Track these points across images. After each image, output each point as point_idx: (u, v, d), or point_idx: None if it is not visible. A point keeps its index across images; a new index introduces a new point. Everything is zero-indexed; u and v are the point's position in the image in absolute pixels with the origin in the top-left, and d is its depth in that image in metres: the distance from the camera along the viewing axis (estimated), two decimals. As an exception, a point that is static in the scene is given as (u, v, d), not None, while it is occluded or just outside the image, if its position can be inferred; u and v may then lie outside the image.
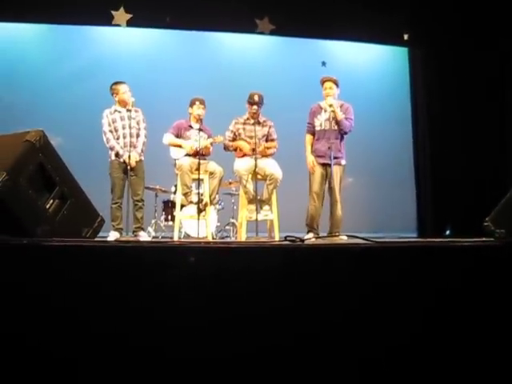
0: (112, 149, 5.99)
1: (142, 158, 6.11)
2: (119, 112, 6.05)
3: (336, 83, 6.03)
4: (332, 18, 8.63)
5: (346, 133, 6.01)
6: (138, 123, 6.11)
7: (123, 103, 6.05)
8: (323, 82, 6.06)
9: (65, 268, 1.93)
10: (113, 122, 6.04)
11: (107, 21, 8.39)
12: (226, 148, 6.28)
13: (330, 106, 5.86)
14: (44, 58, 8.85)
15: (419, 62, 9.60)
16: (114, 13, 8.32)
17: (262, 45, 9.54)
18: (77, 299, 1.89)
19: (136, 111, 6.13)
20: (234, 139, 6.21)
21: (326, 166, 5.89)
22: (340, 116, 5.89)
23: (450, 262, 2.11)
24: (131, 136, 5.97)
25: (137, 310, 1.90)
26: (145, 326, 1.89)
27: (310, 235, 5.64)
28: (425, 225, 9.28)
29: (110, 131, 6.02)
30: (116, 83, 6.16)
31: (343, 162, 5.98)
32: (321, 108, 6.06)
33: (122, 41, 9.19)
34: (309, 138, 6.10)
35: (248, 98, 6.17)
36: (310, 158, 5.97)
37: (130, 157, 5.84)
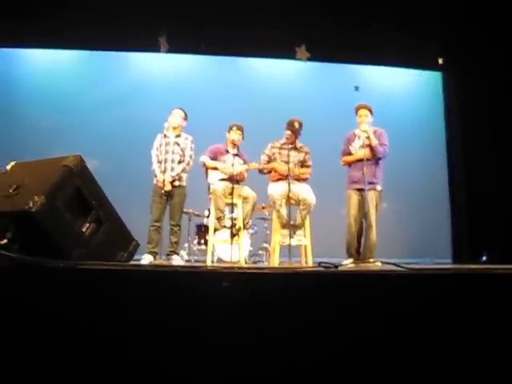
0: (153, 172, 6.07)
1: (183, 184, 6.17)
2: (168, 137, 6.15)
3: (370, 110, 6.05)
4: (366, 42, 8.66)
5: (380, 158, 6.00)
6: (182, 150, 6.17)
7: (172, 127, 6.16)
8: (358, 109, 6.08)
9: (100, 291, 1.95)
10: (160, 146, 6.14)
11: (151, 47, 8.56)
12: (260, 171, 6.29)
13: (364, 131, 5.86)
14: (83, 83, 9.09)
15: (453, 86, 9.56)
16: (161, 39, 8.50)
17: (297, 70, 9.63)
18: (112, 323, 1.90)
19: (186, 138, 6.22)
20: (268, 163, 6.22)
21: (361, 191, 5.88)
22: (374, 142, 5.87)
23: (486, 290, 2.07)
24: (172, 161, 6.06)
25: (170, 335, 1.91)
26: (178, 352, 1.89)
27: (349, 261, 5.61)
28: (460, 251, 9.14)
29: (156, 155, 6.12)
30: (174, 108, 6.33)
31: (379, 187, 5.95)
32: (355, 135, 6.08)
33: (156, 67, 9.37)
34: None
35: (288, 123, 6.19)
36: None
37: (164, 180, 5.92)
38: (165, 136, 6.17)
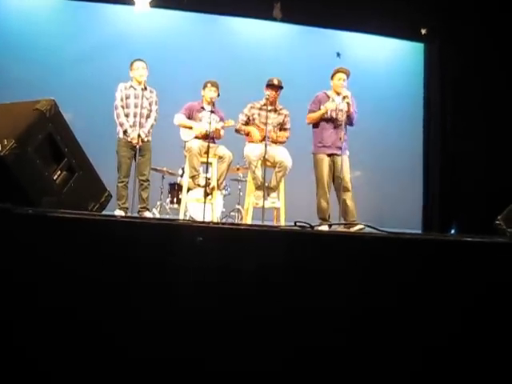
0: (121, 125, 5.95)
1: (150, 139, 6.08)
2: (134, 89, 6.02)
3: (348, 75, 5.96)
4: (349, 8, 8.55)
5: (352, 125, 5.96)
6: (150, 104, 6.08)
7: (137, 80, 5.99)
8: (336, 72, 5.98)
9: (68, 240, 1.89)
10: (126, 98, 6.01)
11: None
12: (237, 131, 6.21)
13: (345, 97, 5.80)
14: (58, 34, 8.83)
15: (435, 58, 9.52)
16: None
17: (278, 33, 9.49)
18: (80, 274, 1.85)
19: (151, 92, 6.11)
20: (246, 123, 6.14)
21: (332, 156, 5.84)
22: (352, 109, 5.83)
23: (462, 258, 2.06)
24: (141, 116, 5.96)
25: (142, 289, 1.86)
26: (149, 303, 1.85)
27: (324, 225, 5.60)
28: (430, 223, 9.23)
29: (122, 106, 5.99)
30: (134, 60, 6.12)
31: (347, 152, 5.92)
32: (328, 97, 5.99)
33: (136, 21, 9.13)
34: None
35: (267, 81, 6.10)
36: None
37: (138, 136, 5.81)
38: (131, 87, 6.03)
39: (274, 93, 6.05)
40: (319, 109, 5.96)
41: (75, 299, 1.83)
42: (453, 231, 8.58)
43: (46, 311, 1.80)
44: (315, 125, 6.02)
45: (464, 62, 8.57)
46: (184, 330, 1.86)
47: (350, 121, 5.90)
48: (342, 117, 5.83)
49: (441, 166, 9.15)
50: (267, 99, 5.99)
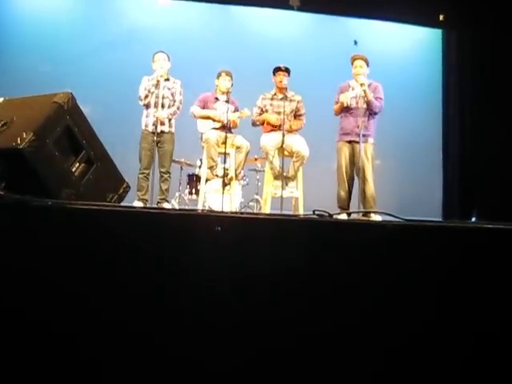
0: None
1: (173, 131, 6.11)
2: (156, 80, 6.01)
3: (367, 62, 5.92)
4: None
5: (376, 113, 5.91)
6: (172, 94, 6.10)
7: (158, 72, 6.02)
8: (354, 59, 5.95)
9: (89, 232, 1.90)
10: (148, 90, 6.02)
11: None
12: (253, 124, 6.21)
13: (362, 84, 5.75)
14: (75, 27, 8.87)
15: (453, 44, 9.41)
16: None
17: (294, 21, 9.44)
18: (100, 264, 1.86)
19: (174, 82, 6.13)
20: (260, 115, 6.14)
21: (352, 143, 5.81)
22: (370, 96, 5.77)
23: (481, 245, 2.04)
24: (163, 106, 5.98)
25: (161, 279, 1.87)
26: (168, 291, 1.86)
27: (343, 215, 5.58)
28: (451, 210, 9.15)
29: (146, 96, 6.00)
30: (156, 52, 6.16)
31: (371, 140, 5.87)
32: (349, 86, 5.97)
33: (154, 12, 9.17)
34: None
35: (273, 69, 6.12)
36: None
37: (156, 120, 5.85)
38: (153, 79, 6.04)
39: (280, 77, 6.03)
40: (338, 98, 5.96)
41: (96, 291, 1.84)
42: (474, 219, 8.51)
43: (66, 304, 1.82)
44: (340, 114, 6.02)
45: (483, 47, 8.46)
46: (202, 322, 1.86)
47: (370, 108, 5.85)
48: (363, 104, 5.81)
49: (460, 153, 9.06)
50: (277, 87, 5.99)
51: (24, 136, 2.45)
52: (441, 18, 9.03)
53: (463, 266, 2.00)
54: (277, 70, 6.07)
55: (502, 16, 7.99)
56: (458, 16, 8.87)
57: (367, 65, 5.93)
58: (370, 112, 5.87)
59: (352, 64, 5.97)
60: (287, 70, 6.07)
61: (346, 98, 5.82)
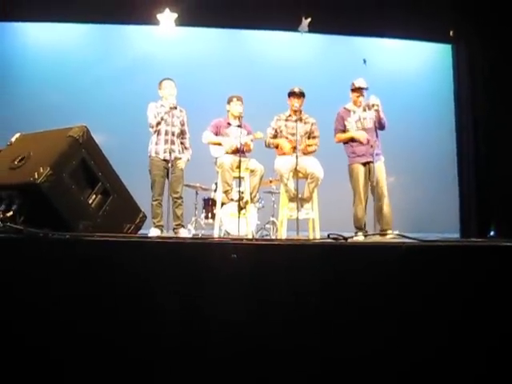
0: (152, 144, 6.05)
1: (183, 157, 6.15)
2: (164, 107, 6.06)
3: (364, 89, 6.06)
4: (373, 15, 8.52)
5: (383, 129, 5.97)
6: (181, 123, 6.15)
7: (166, 99, 6.07)
8: (353, 90, 6.06)
9: (107, 263, 1.93)
10: (158, 114, 6.04)
11: (152, 20, 8.51)
12: (267, 145, 6.23)
13: (373, 105, 5.80)
14: (87, 57, 9.04)
15: (464, 59, 9.41)
16: (160, 16, 8.43)
17: (303, 43, 9.48)
18: (119, 295, 1.89)
19: (181, 111, 6.18)
20: (275, 136, 6.16)
21: (367, 164, 5.84)
22: (382, 114, 5.84)
23: (496, 263, 2.04)
24: (172, 134, 6.02)
25: (179, 307, 1.89)
26: (185, 322, 1.88)
27: (360, 234, 5.60)
28: (468, 226, 9.09)
29: (158, 123, 6.02)
30: (163, 79, 6.20)
31: (382, 158, 5.95)
32: (348, 111, 6.04)
33: (161, 40, 9.29)
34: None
35: (289, 91, 6.14)
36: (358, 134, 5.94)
37: (171, 157, 5.91)
38: (161, 106, 6.07)
39: (296, 100, 6.07)
40: (344, 126, 6.05)
41: (115, 320, 1.87)
42: (492, 233, 8.43)
43: (85, 334, 1.84)
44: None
45: (494, 61, 8.45)
46: (221, 346, 1.87)
47: (380, 126, 5.91)
48: (370, 124, 5.86)
49: (476, 168, 9.01)
50: (292, 109, 6.04)
51: (41, 171, 2.49)
52: (451, 33, 9.07)
53: (478, 286, 1.99)
54: (292, 93, 6.11)
55: (510, 28, 8.01)
56: (467, 31, 8.91)
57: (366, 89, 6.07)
58: (380, 129, 5.94)
59: (353, 91, 6.08)
60: (302, 94, 6.11)
61: (360, 136, 5.89)
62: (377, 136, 5.94)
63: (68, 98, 8.55)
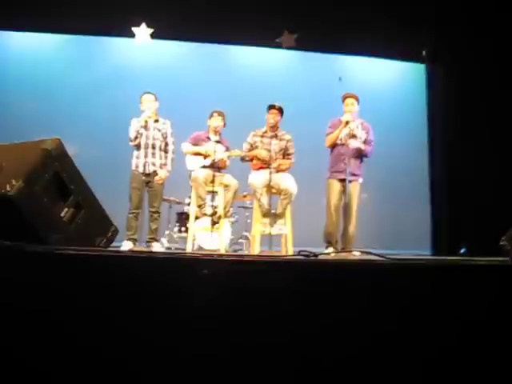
0: (134, 157, 6.05)
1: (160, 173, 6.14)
2: (146, 122, 6.07)
3: (357, 100, 6.02)
4: (349, 33, 8.64)
5: (367, 156, 6.02)
6: (163, 136, 6.15)
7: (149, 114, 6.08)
8: (345, 98, 6.04)
9: (78, 277, 1.93)
10: (138, 131, 6.06)
11: (129, 33, 8.55)
12: (242, 159, 6.26)
13: (347, 122, 5.84)
14: (63, 68, 8.98)
15: (437, 78, 9.58)
16: (135, 29, 8.48)
17: (280, 59, 9.60)
18: (87, 308, 1.89)
19: (164, 123, 6.19)
20: (250, 151, 6.20)
21: (343, 181, 5.88)
22: (362, 146, 5.91)
23: (465, 282, 2.08)
24: (153, 147, 6.03)
25: (149, 323, 1.90)
26: (154, 338, 1.88)
27: (330, 250, 5.63)
28: (439, 243, 9.19)
29: (136, 137, 6.04)
30: (144, 92, 6.23)
31: (361, 180, 5.97)
32: (341, 122, 6.01)
33: (140, 53, 9.29)
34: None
35: (268, 107, 6.19)
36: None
37: (150, 171, 5.93)
38: (141, 121, 6.09)
39: (273, 115, 6.11)
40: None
41: (86, 334, 1.87)
42: (463, 250, 8.53)
43: (60, 346, 1.84)
44: (331, 151, 6.07)
45: (466, 81, 8.60)
46: (192, 364, 1.88)
47: (362, 154, 5.98)
48: (355, 144, 5.89)
49: (448, 186, 9.13)
50: (269, 125, 6.08)
51: (13, 183, 2.48)
52: (423, 53, 9.24)
53: (447, 304, 2.03)
54: (270, 107, 6.16)
55: (484, 48, 8.18)
56: (440, 51, 9.09)
57: (357, 102, 6.03)
58: (361, 155, 5.98)
59: (343, 102, 6.06)
60: (280, 110, 6.15)
61: (348, 118, 5.88)
62: (361, 157, 6.00)
63: (45, 109, 8.49)
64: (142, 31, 8.64)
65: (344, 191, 5.86)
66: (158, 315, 1.91)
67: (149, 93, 6.22)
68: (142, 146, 6.03)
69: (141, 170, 5.99)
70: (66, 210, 2.75)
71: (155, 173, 6.03)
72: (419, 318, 2.01)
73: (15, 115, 8.25)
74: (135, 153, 6.09)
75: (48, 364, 1.83)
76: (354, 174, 5.83)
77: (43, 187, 2.62)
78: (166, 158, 6.20)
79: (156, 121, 6.10)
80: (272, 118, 6.11)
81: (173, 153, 6.23)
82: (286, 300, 1.98)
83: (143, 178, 5.98)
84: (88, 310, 1.88)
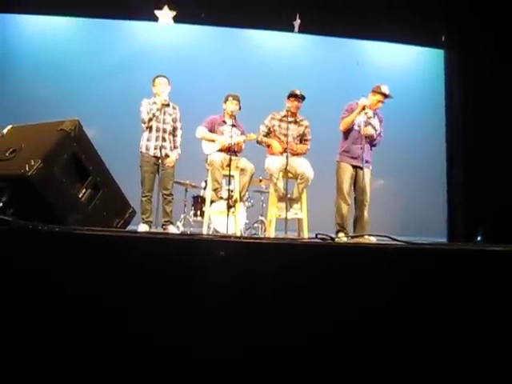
0: (143, 140, 6.05)
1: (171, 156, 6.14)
2: (156, 104, 6.04)
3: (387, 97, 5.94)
4: (368, 18, 8.55)
5: (375, 146, 6.03)
6: (173, 120, 6.14)
7: (159, 96, 6.05)
8: (378, 92, 5.91)
9: (95, 257, 1.93)
10: (150, 111, 6.04)
11: (150, 16, 8.55)
12: (258, 142, 6.24)
13: (364, 108, 5.78)
14: (81, 51, 9.03)
15: (456, 64, 9.46)
16: (158, 12, 8.47)
17: (298, 44, 9.55)
18: (104, 288, 1.89)
19: (174, 108, 6.17)
20: (267, 134, 6.17)
21: (356, 168, 5.86)
22: (375, 135, 5.91)
23: (481, 267, 2.06)
24: (164, 131, 6.02)
25: (166, 304, 1.90)
26: (170, 320, 1.88)
27: (342, 235, 5.61)
28: (455, 230, 9.13)
29: (150, 119, 6.02)
30: (156, 76, 6.19)
31: (371, 166, 6.00)
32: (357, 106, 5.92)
33: (157, 36, 9.29)
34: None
35: (289, 93, 6.13)
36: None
37: (162, 154, 5.91)
38: (154, 103, 6.06)
39: (296, 103, 6.07)
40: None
41: (100, 314, 1.87)
42: (479, 237, 8.48)
43: (73, 327, 1.85)
44: (345, 135, 6.02)
45: (485, 67, 8.49)
46: (207, 346, 1.89)
47: (371, 141, 5.96)
48: (371, 131, 5.87)
49: (464, 173, 9.05)
50: (288, 110, 6.03)
51: (32, 163, 2.50)
52: (443, 38, 9.13)
53: (464, 289, 2.01)
54: (293, 95, 6.10)
55: (503, 34, 8.06)
56: (460, 36, 8.96)
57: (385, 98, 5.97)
58: (371, 144, 5.99)
59: (373, 92, 5.93)
60: (303, 98, 6.10)
61: (364, 102, 5.82)
62: (371, 145, 5.99)
63: (61, 91, 8.54)
64: (165, 14, 8.62)
65: (355, 177, 5.84)
66: (173, 298, 1.91)
67: (163, 76, 6.18)
68: (154, 129, 6.01)
69: (152, 153, 5.98)
70: (84, 190, 2.77)
71: (166, 155, 6.02)
72: (437, 303, 2.00)
73: (30, 98, 8.30)
74: (145, 135, 6.04)
75: (70, 339, 1.85)
76: (367, 161, 5.83)
77: (61, 168, 2.64)
78: (174, 141, 6.19)
79: (167, 105, 6.08)
80: (295, 106, 6.07)
81: (181, 137, 6.23)
82: (302, 283, 1.98)
83: (154, 160, 5.97)
84: (105, 290, 1.89)
